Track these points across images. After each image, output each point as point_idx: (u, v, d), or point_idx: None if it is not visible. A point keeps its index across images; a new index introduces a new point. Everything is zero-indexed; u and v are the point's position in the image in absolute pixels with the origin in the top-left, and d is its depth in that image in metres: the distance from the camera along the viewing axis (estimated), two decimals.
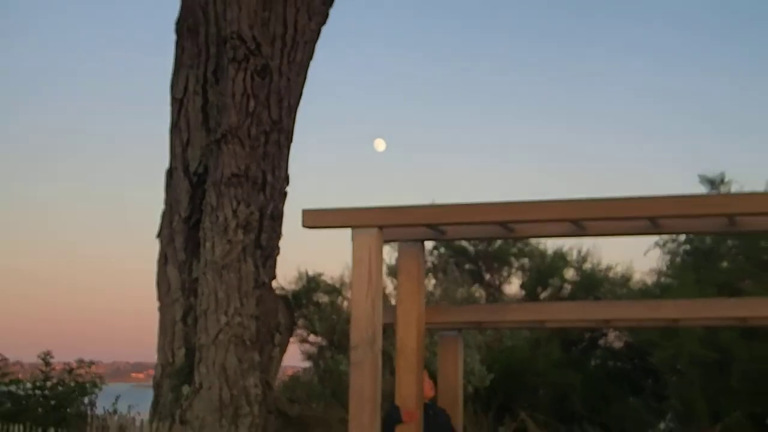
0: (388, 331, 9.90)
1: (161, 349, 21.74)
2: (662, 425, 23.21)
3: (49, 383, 20.34)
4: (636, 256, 29.75)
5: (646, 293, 24.23)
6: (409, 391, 9.76)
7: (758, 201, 8.61)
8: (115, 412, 20.91)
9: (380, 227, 9.05)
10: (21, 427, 18.93)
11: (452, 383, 11.39)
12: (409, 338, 9.81)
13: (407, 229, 9.46)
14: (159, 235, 22.14)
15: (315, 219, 9.17)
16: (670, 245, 23.99)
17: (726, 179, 22.35)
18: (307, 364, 25.58)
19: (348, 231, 9.08)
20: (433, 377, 11.07)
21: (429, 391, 10.65)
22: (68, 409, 19.97)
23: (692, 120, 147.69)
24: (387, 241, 9.51)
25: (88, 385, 20.62)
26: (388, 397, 9.71)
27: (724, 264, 22.94)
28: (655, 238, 24.02)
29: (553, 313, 12.92)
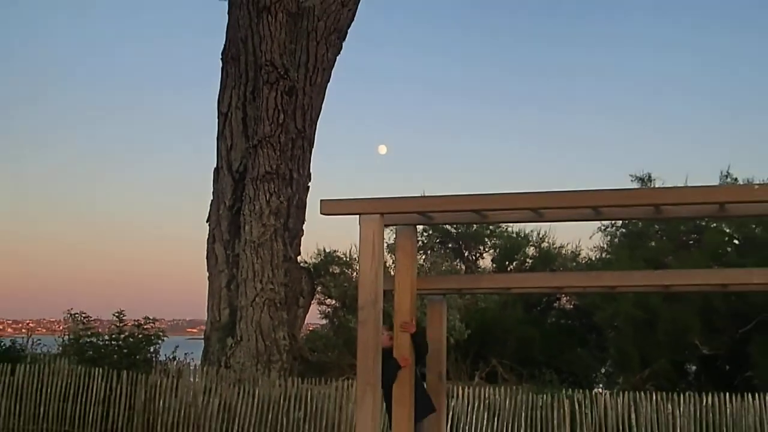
0: (388, 295, 9.88)
1: (210, 309, 21.91)
2: (603, 370, 23.26)
3: (122, 335, 20.36)
4: (583, 238, 29.80)
5: (590, 266, 24.26)
6: (404, 342, 9.77)
7: (678, 194, 8.60)
8: (174, 358, 20.97)
9: (382, 214, 9.02)
10: (100, 370, 18.98)
11: (438, 337, 11.37)
12: (404, 301, 9.81)
13: (403, 216, 9.43)
14: (208, 220, 22.35)
15: (330, 208, 9.18)
16: (610, 229, 24.05)
17: (652, 177, 22.35)
18: (324, 321, 25.65)
19: (356, 217, 9.08)
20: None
21: (387, 342, 10.57)
22: (137, 356, 20.00)
23: (625, 126, 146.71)
24: (387, 225, 9.49)
25: (152, 337, 20.66)
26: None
27: (652, 244, 22.96)
28: (597, 223, 24.16)
29: (518, 282, 12.94)
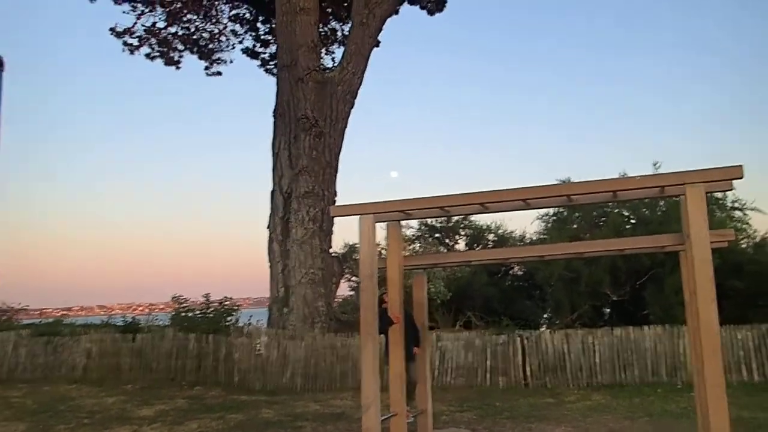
0: (383, 271, 9.57)
1: (272, 288, 22.01)
2: (545, 315, 22.81)
3: (209, 310, 20.31)
4: (527, 225, 29.42)
5: (532, 244, 23.78)
6: (395, 304, 9.44)
7: (581, 187, 8.19)
8: (249, 324, 20.81)
9: (374, 214, 8.70)
10: (194, 334, 18.90)
11: (420, 299, 11.00)
12: (393, 274, 9.48)
13: (389, 214, 9.06)
14: (268, 226, 22.29)
15: (337, 211, 8.95)
16: (545, 217, 23.59)
17: (571, 180, 21.88)
18: (352, 292, 25.26)
19: (357, 217, 8.75)
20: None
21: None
22: (220, 323, 19.82)
23: (553, 133, 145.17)
24: (380, 221, 9.11)
25: (230, 310, 20.65)
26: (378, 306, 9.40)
27: (574, 226, 22.49)
28: (535, 213, 23.82)
29: (474, 256, 12.67)
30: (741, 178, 7.17)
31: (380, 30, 24.43)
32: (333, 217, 9.05)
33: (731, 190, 8.25)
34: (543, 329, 19.14)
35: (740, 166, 7.07)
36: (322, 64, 24.46)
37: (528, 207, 8.96)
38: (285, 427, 12.38)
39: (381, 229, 9.76)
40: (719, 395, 6.93)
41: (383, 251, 10.82)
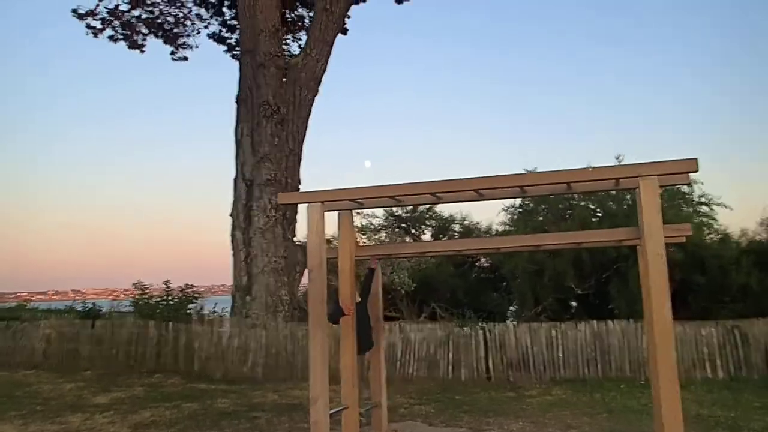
0: (335, 261, 9.31)
1: (234, 276, 21.68)
2: (510, 308, 22.64)
3: (169, 297, 20.07)
4: (493, 216, 29.15)
5: (496, 236, 23.62)
6: (346, 295, 9.16)
7: (534, 177, 8.01)
8: (214, 312, 20.96)
9: (322, 202, 8.43)
10: (153, 322, 18.62)
11: (375, 290, 10.75)
12: (345, 264, 9.23)
13: (339, 203, 8.82)
14: (231, 214, 21.90)
15: (285, 198, 8.76)
16: (510, 209, 23.41)
17: (537, 170, 21.77)
18: None
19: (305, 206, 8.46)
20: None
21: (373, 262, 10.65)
22: (180, 311, 19.62)
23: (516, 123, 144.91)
24: (330, 210, 8.86)
25: (191, 297, 20.45)
26: (333, 295, 9.18)
27: (540, 218, 22.32)
28: (501, 204, 23.64)
29: (428, 247, 12.34)
30: (696, 171, 6.98)
31: (345, 16, 24.56)
32: (281, 204, 8.69)
33: (688, 183, 8.09)
34: (510, 320, 19.01)
35: (695, 159, 6.88)
36: (288, 50, 24.19)
37: (481, 198, 8.70)
38: (239, 417, 12.10)
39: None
40: (672, 392, 6.75)
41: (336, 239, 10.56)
